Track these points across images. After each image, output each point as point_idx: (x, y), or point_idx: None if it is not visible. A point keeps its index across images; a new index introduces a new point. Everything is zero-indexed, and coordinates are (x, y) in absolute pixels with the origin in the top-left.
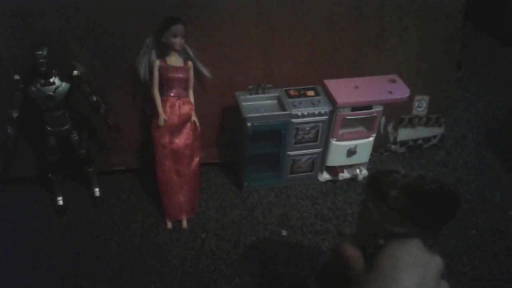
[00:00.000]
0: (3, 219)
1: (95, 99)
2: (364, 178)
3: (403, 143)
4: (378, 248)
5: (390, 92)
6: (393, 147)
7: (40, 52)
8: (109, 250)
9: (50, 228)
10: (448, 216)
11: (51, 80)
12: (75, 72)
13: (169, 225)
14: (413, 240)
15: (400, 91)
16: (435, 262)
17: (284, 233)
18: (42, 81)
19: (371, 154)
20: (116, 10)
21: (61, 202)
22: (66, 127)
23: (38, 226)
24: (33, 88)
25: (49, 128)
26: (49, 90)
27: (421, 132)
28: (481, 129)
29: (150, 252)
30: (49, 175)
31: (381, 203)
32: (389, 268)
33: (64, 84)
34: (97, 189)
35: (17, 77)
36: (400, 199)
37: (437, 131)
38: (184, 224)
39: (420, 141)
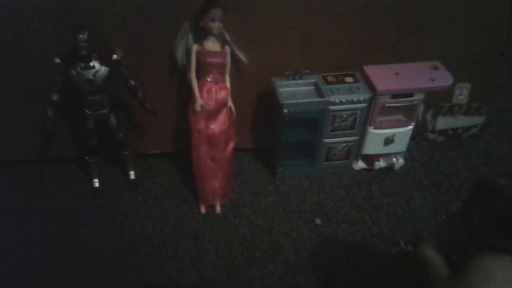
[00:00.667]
0: (42, 199)
1: (133, 83)
2: (400, 167)
3: (441, 132)
4: (465, 257)
5: (432, 80)
6: (431, 135)
7: (81, 36)
8: (144, 233)
9: (87, 209)
10: None
11: (91, 64)
12: (115, 56)
13: (203, 210)
14: (505, 257)
15: (442, 78)
16: None
17: (318, 221)
18: (83, 64)
19: (408, 143)
20: None
21: (97, 185)
22: (104, 110)
23: (76, 207)
24: (73, 72)
25: (88, 112)
26: (89, 74)
27: (461, 121)
28: None
29: (184, 237)
30: (86, 158)
31: (487, 213)
32: (480, 280)
33: (103, 68)
34: (132, 172)
35: (57, 60)
36: (507, 209)
37: (478, 120)
38: (218, 209)
39: (459, 130)
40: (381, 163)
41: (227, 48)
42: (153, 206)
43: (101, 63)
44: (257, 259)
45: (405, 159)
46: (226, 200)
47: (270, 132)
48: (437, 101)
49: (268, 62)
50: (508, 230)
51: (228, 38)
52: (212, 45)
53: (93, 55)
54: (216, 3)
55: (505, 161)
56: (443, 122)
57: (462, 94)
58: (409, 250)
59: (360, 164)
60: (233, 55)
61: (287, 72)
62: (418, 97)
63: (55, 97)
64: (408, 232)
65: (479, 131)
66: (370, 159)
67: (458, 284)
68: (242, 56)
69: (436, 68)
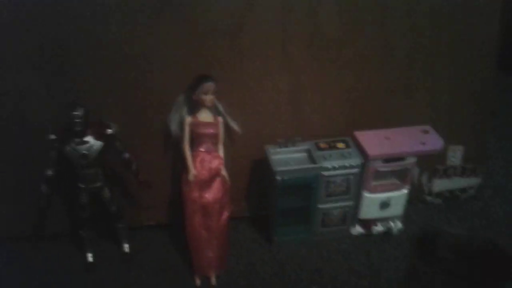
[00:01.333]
0: (34, 276)
1: (127, 156)
2: (399, 231)
3: (438, 194)
4: None
5: (423, 143)
6: (428, 198)
7: (77, 113)
8: None
9: (79, 285)
10: (504, 278)
11: (86, 139)
12: (109, 131)
13: (198, 282)
14: None
15: (433, 142)
16: None
17: None
18: (77, 140)
19: (406, 206)
20: (147, 68)
21: (91, 259)
22: (98, 184)
23: (68, 283)
24: (68, 147)
25: (81, 186)
26: (84, 148)
27: (457, 182)
28: None
29: None
30: (80, 232)
31: (432, 265)
32: None
33: (98, 142)
34: (126, 245)
35: (52, 136)
36: (450, 259)
37: (474, 181)
38: (213, 280)
39: (456, 192)
40: (378, 228)
41: (220, 118)
42: (146, 280)
43: (96, 138)
44: None
45: (403, 223)
46: (222, 271)
47: (264, 200)
48: (432, 163)
49: (260, 130)
50: (451, 277)
51: (221, 109)
52: (205, 116)
53: (88, 130)
54: (208, 78)
55: (503, 222)
56: (439, 184)
57: (455, 156)
58: None
59: (358, 229)
60: (226, 124)
61: (279, 140)
62: (410, 161)
63: (49, 173)
64: None
65: (476, 192)
66: (367, 223)
67: None
68: (235, 126)
69: (426, 132)
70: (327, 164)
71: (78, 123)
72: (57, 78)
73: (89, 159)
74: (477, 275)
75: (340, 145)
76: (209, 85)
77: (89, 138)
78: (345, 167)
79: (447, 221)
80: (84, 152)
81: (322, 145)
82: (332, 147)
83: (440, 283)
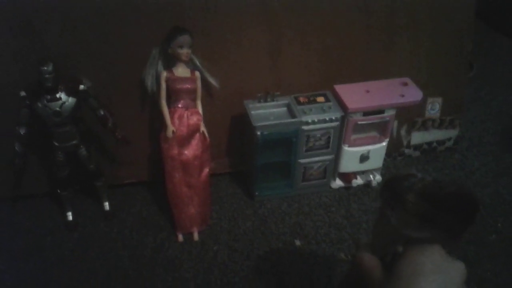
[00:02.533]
0: (13, 236)
1: (102, 113)
2: (378, 184)
3: (417, 147)
4: (397, 255)
5: (402, 96)
6: (406, 151)
7: (46, 68)
8: (121, 265)
9: (61, 244)
10: (468, 219)
11: (58, 95)
12: (82, 87)
13: (180, 238)
14: (433, 246)
15: (412, 94)
16: (457, 268)
17: (297, 243)
18: (49, 96)
19: (385, 159)
20: (122, 22)
21: (71, 218)
22: (74, 142)
23: (49, 242)
24: (39, 104)
25: (56, 144)
26: (56, 105)
27: (435, 134)
28: (497, 130)
29: (162, 267)
30: (59, 191)
31: (399, 208)
32: (408, 274)
33: (70, 99)
34: (107, 203)
35: (23, 93)
36: (418, 203)
37: (452, 133)
38: (196, 236)
39: (434, 144)
40: (358, 181)
41: (197, 73)
42: (129, 237)
43: (68, 94)
44: (237, 285)
45: (382, 175)
46: (204, 227)
47: (245, 155)
48: (411, 116)
49: (239, 85)
50: (423, 219)
51: (198, 63)
52: (181, 71)
53: (59, 86)
54: (183, 30)
55: (479, 173)
56: (418, 137)
57: (434, 109)
58: (349, 260)
59: (338, 183)
60: (203, 80)
61: (259, 94)
62: (390, 113)
63: (22, 131)
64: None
65: (453, 144)
66: (347, 177)
67: (390, 283)
68: (212, 81)
69: (405, 84)
70: (307, 118)
71: (48, 79)
72: (26, 33)
73: (62, 117)
74: (444, 218)
75: (320, 99)
76: (185, 38)
77: (61, 95)
78: (325, 121)
79: (426, 173)
80: (57, 109)
81: (302, 99)
82: (311, 101)
83: (408, 226)
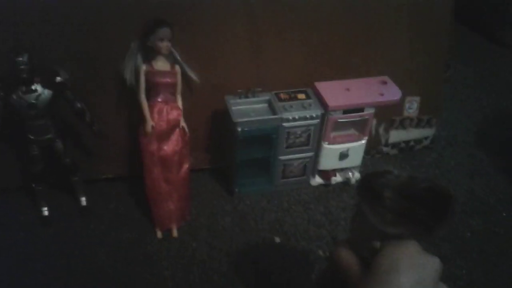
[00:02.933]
0: None
1: (79, 106)
2: (357, 181)
3: (394, 145)
4: (374, 251)
5: (382, 94)
6: (385, 149)
7: (21, 59)
8: (97, 262)
9: (35, 240)
10: (443, 214)
11: (33, 87)
12: (58, 79)
13: (159, 234)
14: (409, 242)
15: (391, 93)
16: (433, 263)
17: (277, 240)
18: (24, 88)
19: (363, 157)
20: (101, 13)
21: (46, 213)
22: (49, 135)
23: (23, 238)
24: (14, 96)
25: (31, 137)
26: (31, 97)
27: (413, 133)
28: (471, 129)
29: (139, 263)
30: (33, 185)
31: (376, 204)
32: (385, 270)
33: (46, 91)
34: (83, 199)
35: None
36: (394, 199)
37: (429, 132)
38: (175, 233)
39: (411, 143)
40: (337, 178)
41: (177, 67)
42: (106, 233)
43: (44, 86)
44: (215, 283)
45: (360, 173)
46: (183, 223)
47: (225, 151)
48: (389, 115)
49: (220, 81)
50: (400, 216)
51: (178, 57)
52: (161, 64)
53: (35, 78)
54: (163, 23)
55: (454, 172)
56: (396, 135)
57: (412, 108)
58: (327, 257)
59: (317, 180)
60: (184, 74)
61: (239, 90)
62: (369, 111)
63: None
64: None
65: (430, 143)
66: (326, 174)
67: (367, 278)
68: (193, 75)
69: (385, 82)
70: (288, 115)
71: (23, 70)
72: (2, 26)
73: (37, 109)
74: (419, 214)
75: (301, 96)
76: (165, 31)
77: (37, 87)
78: (305, 118)
79: (402, 170)
80: (32, 101)
81: (283, 95)
82: (292, 98)
83: (384, 222)
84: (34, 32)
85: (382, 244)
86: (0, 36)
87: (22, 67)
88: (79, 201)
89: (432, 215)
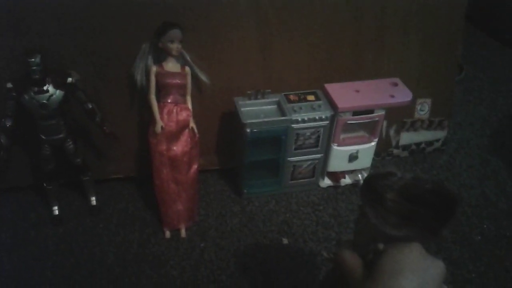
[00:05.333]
0: None
1: (90, 106)
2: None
3: (405, 147)
4: (378, 253)
5: (392, 96)
6: (395, 151)
7: (33, 60)
8: (106, 261)
9: (45, 238)
10: (447, 216)
11: (45, 88)
12: (70, 79)
13: (168, 234)
14: (413, 245)
15: (402, 94)
16: (437, 267)
17: (285, 241)
18: (36, 89)
19: (373, 159)
20: (112, 15)
21: (56, 212)
22: (60, 135)
23: (33, 236)
24: (26, 97)
25: (43, 137)
26: (43, 98)
27: (424, 135)
28: (484, 132)
29: (148, 263)
30: (44, 184)
31: (379, 207)
32: (388, 273)
33: (58, 91)
34: (93, 198)
35: (9, 85)
36: (397, 201)
37: (440, 134)
38: (183, 233)
39: (422, 145)
40: (347, 180)
41: (187, 68)
42: (115, 232)
43: (56, 87)
44: (224, 283)
45: None
46: (191, 224)
47: (234, 152)
48: (400, 116)
49: (229, 82)
50: (403, 218)
51: (188, 58)
52: (171, 66)
53: (47, 78)
54: (174, 24)
55: (466, 175)
56: (407, 137)
57: (423, 109)
58: (331, 258)
59: (326, 182)
60: (193, 75)
61: (248, 92)
62: (379, 113)
63: (8, 123)
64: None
65: (441, 145)
66: (336, 176)
67: (369, 281)
68: (203, 76)
69: (395, 84)
70: (297, 116)
71: (35, 71)
72: (12, 25)
73: (49, 109)
74: (423, 216)
75: (310, 97)
76: (175, 32)
77: (48, 87)
78: (315, 120)
79: (412, 173)
80: (44, 101)
81: (292, 97)
82: (302, 99)
83: (388, 224)
84: (45, 32)
85: (385, 247)
86: (12, 37)
87: (34, 68)
88: (89, 201)
89: (435, 217)
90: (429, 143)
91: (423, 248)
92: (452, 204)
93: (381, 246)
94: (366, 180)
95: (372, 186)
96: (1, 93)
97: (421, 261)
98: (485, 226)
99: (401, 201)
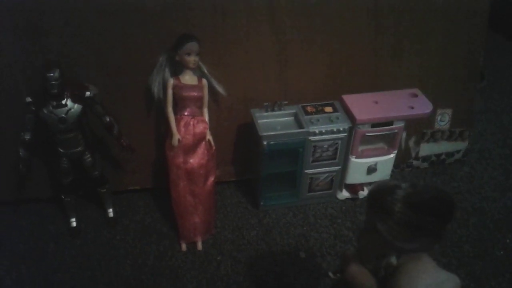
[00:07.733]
0: (16, 241)
1: (108, 119)
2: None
3: (425, 158)
4: (390, 269)
5: (412, 107)
6: (415, 162)
7: (52, 74)
8: (122, 273)
9: (63, 250)
10: (447, 219)
11: (63, 102)
12: (88, 93)
13: (184, 247)
14: (425, 258)
15: (422, 106)
16: (451, 280)
17: (302, 255)
18: (54, 103)
19: (392, 170)
20: (128, 28)
21: (74, 224)
22: (79, 148)
23: (52, 248)
24: (45, 111)
25: (61, 150)
26: (62, 112)
27: (444, 146)
28: (506, 142)
29: (164, 276)
30: (63, 197)
31: (389, 220)
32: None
33: (76, 105)
34: (111, 210)
35: (28, 99)
36: (405, 212)
37: (461, 145)
38: (199, 246)
39: (443, 156)
40: (365, 192)
41: (204, 81)
42: (131, 245)
43: (74, 101)
44: None
45: None
46: (208, 236)
47: (251, 164)
48: (419, 127)
49: (246, 94)
50: (414, 229)
51: (205, 70)
52: (188, 78)
53: (65, 93)
54: (191, 37)
55: (488, 186)
56: (427, 149)
57: (443, 120)
58: (339, 279)
59: (344, 194)
60: (210, 87)
61: (265, 103)
62: (399, 125)
63: (27, 137)
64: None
65: (462, 156)
66: (354, 188)
67: None
68: (220, 89)
69: (415, 95)
70: (315, 129)
71: (54, 85)
72: (32, 38)
73: (67, 123)
74: (430, 224)
75: (328, 109)
76: (192, 45)
77: (67, 101)
78: (332, 132)
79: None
80: (62, 115)
81: (310, 109)
82: (319, 111)
83: (399, 237)
84: (63, 47)
85: (398, 262)
86: (31, 52)
87: (53, 82)
88: (106, 212)
89: (440, 223)
90: (450, 154)
91: (433, 261)
92: (452, 207)
93: (394, 260)
94: (372, 193)
95: (380, 200)
96: (20, 107)
97: (436, 275)
98: (508, 240)
99: (408, 212)
